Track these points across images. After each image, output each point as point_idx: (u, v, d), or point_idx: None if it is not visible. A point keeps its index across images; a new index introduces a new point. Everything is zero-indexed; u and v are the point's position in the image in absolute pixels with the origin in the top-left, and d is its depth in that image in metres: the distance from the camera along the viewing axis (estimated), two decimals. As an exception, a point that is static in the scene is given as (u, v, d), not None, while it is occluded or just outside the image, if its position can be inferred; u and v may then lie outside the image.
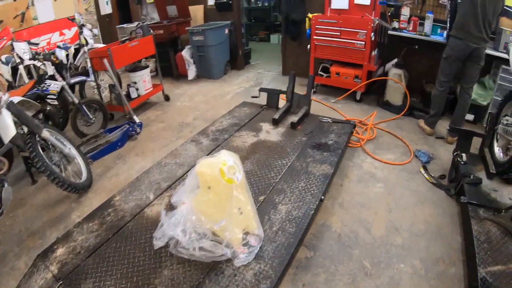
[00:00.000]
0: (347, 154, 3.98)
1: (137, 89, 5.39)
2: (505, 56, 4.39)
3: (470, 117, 4.92)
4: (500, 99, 3.68)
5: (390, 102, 5.30)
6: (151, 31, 5.99)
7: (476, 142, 3.72)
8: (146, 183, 3.14)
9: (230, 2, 7.08)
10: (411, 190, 3.44)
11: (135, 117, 4.77)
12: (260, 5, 10.84)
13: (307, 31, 5.55)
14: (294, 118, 4.04)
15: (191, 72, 7.04)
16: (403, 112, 4.97)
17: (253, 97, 4.66)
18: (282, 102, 4.55)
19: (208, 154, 3.47)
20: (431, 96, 4.43)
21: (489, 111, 4.91)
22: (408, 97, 5.03)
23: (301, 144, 3.66)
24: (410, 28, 4.94)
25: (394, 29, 4.99)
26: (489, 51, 4.34)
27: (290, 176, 3.12)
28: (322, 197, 2.88)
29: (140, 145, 4.46)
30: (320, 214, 3.06)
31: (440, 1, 4.96)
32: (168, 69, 7.12)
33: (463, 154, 3.54)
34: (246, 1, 10.85)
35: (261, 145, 3.66)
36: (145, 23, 6.48)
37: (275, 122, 4.06)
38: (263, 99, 4.61)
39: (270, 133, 3.90)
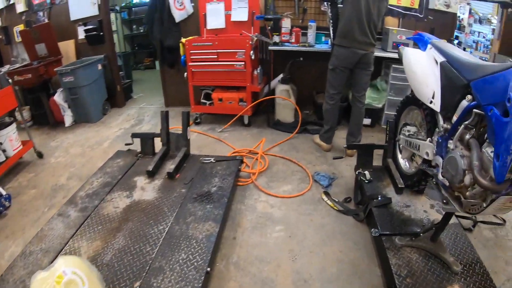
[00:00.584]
0: (237, 196, 3.44)
1: (4, 151, 4.45)
2: (394, 55, 4.24)
3: (367, 121, 4.69)
4: (398, 105, 3.38)
5: (281, 121, 4.94)
6: (10, 80, 5.10)
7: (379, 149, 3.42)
8: (11, 283, 2.37)
9: (101, 33, 6.32)
10: (315, 226, 2.99)
11: (0, 189, 3.89)
12: (142, 30, 10.12)
13: (182, 57, 5.00)
14: (171, 166, 3.43)
15: (68, 118, 6.14)
16: (296, 131, 4.61)
17: (126, 144, 3.98)
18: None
19: (77, 231, 2.76)
20: (323, 111, 4.10)
21: (385, 113, 4.74)
22: (299, 113, 4.67)
23: (180, 199, 3.05)
24: (293, 40, 4.61)
25: (276, 43, 4.63)
26: (377, 53, 4.15)
27: (169, 247, 2.51)
28: (208, 269, 2.30)
29: (10, 222, 3.57)
30: (213, 281, 2.47)
31: (322, 8, 4.69)
32: (44, 116, 6.11)
33: (366, 172, 3.20)
34: (127, 28, 10.13)
35: (136, 208, 3.00)
36: (1, 73, 5.59)
37: (150, 174, 3.43)
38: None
39: (146, 190, 3.25)
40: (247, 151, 4.19)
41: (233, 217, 3.14)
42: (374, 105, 4.59)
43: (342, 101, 4.31)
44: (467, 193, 2.03)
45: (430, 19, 4.97)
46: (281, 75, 4.84)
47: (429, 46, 2.60)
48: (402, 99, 3.20)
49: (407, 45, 4.57)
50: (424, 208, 2.93)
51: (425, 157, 2.58)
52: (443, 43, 2.60)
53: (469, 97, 2.06)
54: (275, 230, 2.97)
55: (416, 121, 3.09)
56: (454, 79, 2.17)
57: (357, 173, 3.24)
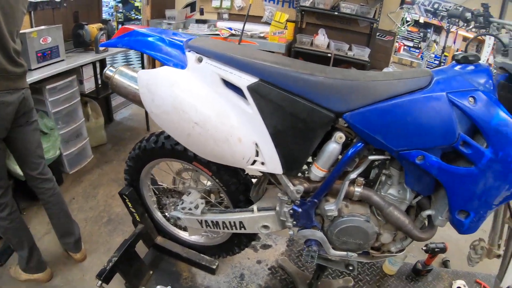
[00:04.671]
0: None
1: None
2: (44, 73, 2.86)
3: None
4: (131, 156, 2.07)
5: None
6: None
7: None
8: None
9: None
10: None
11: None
12: None
13: None
14: None
15: None
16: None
17: None
18: None
19: None
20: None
21: (64, 154, 3.32)
22: None
23: None
24: None
25: None
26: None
27: None
28: None
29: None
30: None
31: None
32: None
33: None
34: None
35: None
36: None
37: None
38: None
39: None
40: None
41: None
42: (52, 157, 2.97)
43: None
44: (387, 247, 1.62)
45: (71, 1, 3.70)
46: None
47: (191, 56, 1.41)
48: (131, 154, 2.01)
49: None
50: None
51: (263, 231, 1.77)
52: (211, 42, 1.56)
53: (340, 135, 1.38)
54: None
55: (183, 179, 2.18)
56: (301, 113, 1.35)
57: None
